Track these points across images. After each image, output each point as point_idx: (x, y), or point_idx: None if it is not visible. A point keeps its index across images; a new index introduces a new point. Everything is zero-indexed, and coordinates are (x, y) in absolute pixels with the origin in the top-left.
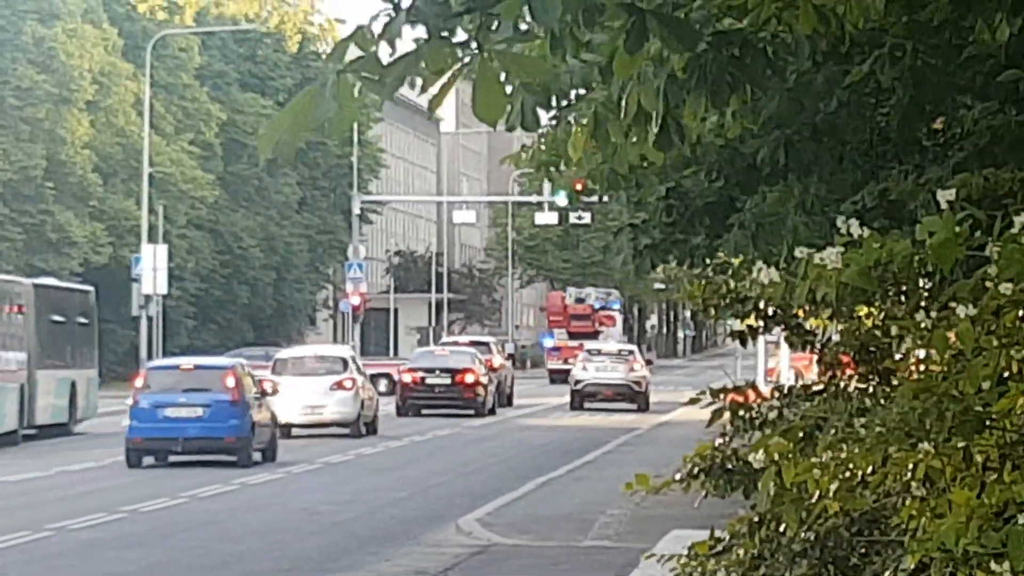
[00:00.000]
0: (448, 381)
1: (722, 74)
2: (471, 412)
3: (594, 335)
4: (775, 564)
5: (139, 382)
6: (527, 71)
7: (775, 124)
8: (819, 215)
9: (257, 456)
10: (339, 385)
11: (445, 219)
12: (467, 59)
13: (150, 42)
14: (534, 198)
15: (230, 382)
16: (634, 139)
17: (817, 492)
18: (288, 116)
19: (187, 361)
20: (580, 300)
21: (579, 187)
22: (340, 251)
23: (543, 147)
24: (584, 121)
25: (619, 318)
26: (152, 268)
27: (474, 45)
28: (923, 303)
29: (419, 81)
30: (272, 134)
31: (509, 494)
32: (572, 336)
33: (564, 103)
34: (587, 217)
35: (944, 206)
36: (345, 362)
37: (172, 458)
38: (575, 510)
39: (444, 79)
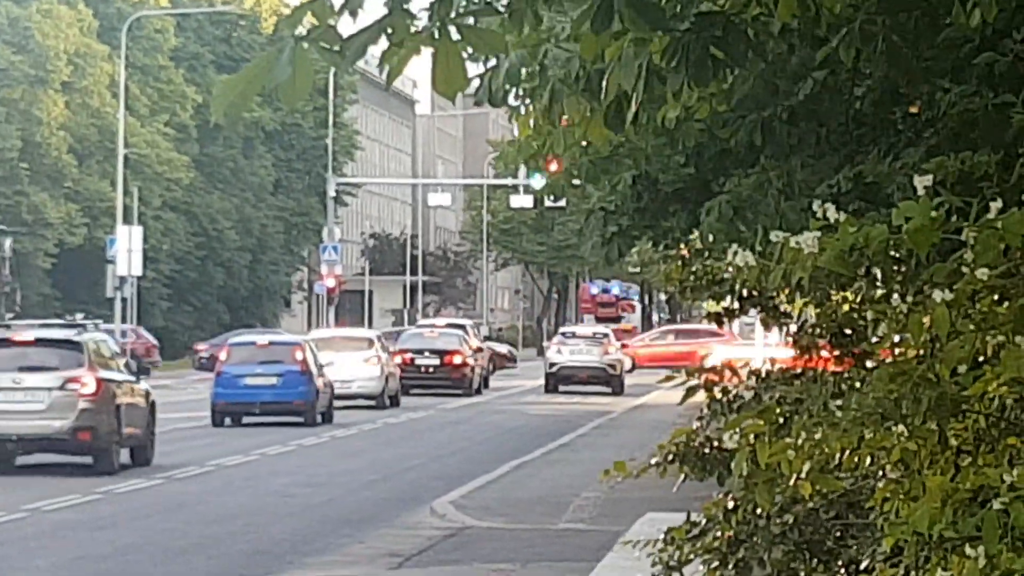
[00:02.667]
0: (437, 362)
1: (704, 55)
2: (459, 392)
3: (617, 319)
4: (753, 547)
5: (223, 355)
6: (487, 45)
7: (750, 106)
8: (796, 199)
9: (319, 418)
10: (366, 361)
11: (420, 201)
12: (427, 32)
13: (125, 23)
14: (509, 181)
15: (299, 355)
16: (587, 115)
17: (790, 473)
18: (242, 79)
19: (262, 337)
20: (606, 291)
21: (553, 168)
22: (315, 233)
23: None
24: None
25: (637, 305)
26: (127, 250)
27: (433, 18)
28: (899, 287)
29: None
30: (225, 96)
31: (483, 477)
32: (599, 320)
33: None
34: (562, 200)
35: (921, 192)
36: (371, 341)
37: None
38: (549, 493)
39: (402, 52)
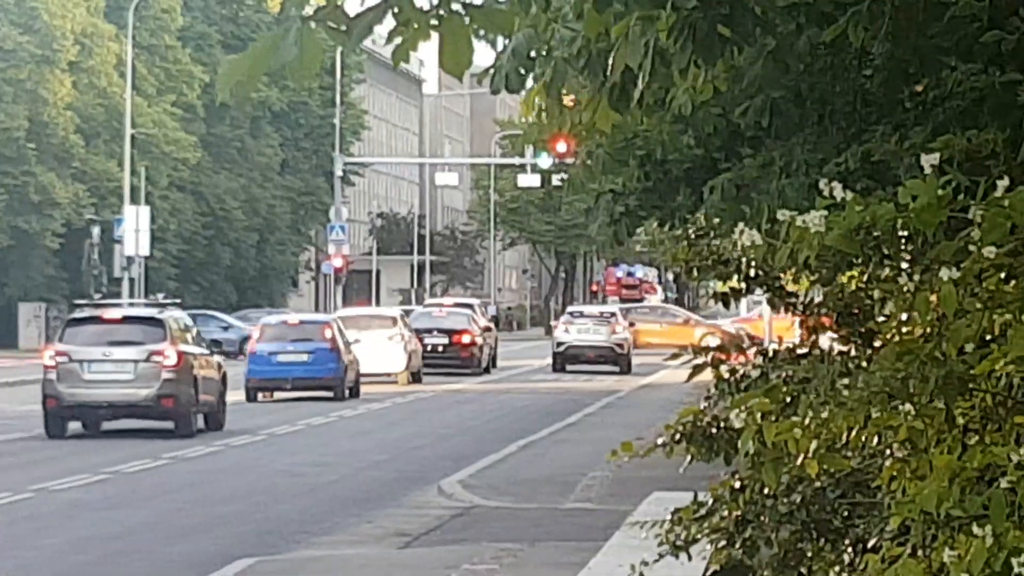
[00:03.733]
0: (446, 341)
1: (711, 33)
2: (467, 371)
3: (640, 300)
4: (760, 527)
5: (255, 334)
6: (494, 24)
7: (759, 86)
8: (803, 178)
9: (347, 392)
10: (390, 339)
11: (427, 181)
12: (433, 11)
13: (132, 3)
14: (516, 160)
15: (328, 333)
16: (593, 97)
17: (797, 452)
18: (248, 59)
19: (293, 317)
20: (630, 274)
21: (561, 148)
22: (322, 213)
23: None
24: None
25: (659, 287)
26: (134, 229)
27: None
28: (906, 266)
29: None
30: (231, 75)
31: (491, 456)
32: (623, 301)
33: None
34: (572, 187)
35: (928, 170)
36: (395, 320)
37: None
38: (556, 472)
39: (410, 32)
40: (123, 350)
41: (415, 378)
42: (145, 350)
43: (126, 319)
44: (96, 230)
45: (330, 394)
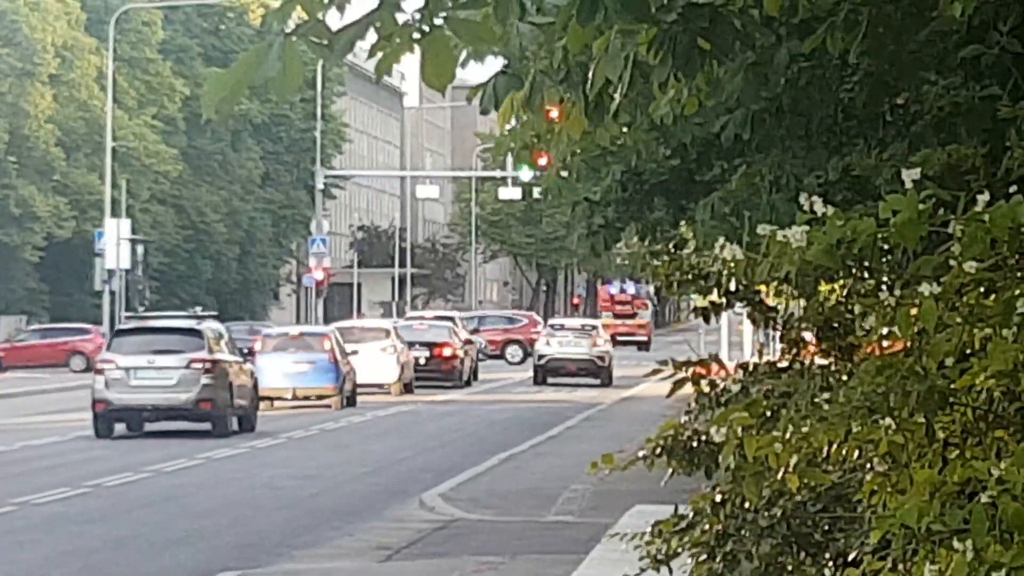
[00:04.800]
0: (427, 354)
1: (691, 47)
2: (449, 384)
3: (633, 316)
4: (740, 541)
5: (258, 345)
6: (476, 37)
7: (737, 99)
8: (786, 191)
9: (345, 401)
10: (383, 351)
11: (408, 194)
12: (416, 25)
13: (113, 16)
14: (497, 173)
15: (327, 345)
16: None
17: (778, 466)
18: (232, 74)
19: (294, 329)
20: (623, 291)
21: (542, 162)
22: (303, 226)
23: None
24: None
25: (650, 303)
26: (115, 242)
27: (423, 12)
28: (886, 281)
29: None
30: (215, 91)
31: (472, 469)
32: (616, 317)
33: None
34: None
35: (909, 185)
36: (388, 332)
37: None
38: (538, 485)
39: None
40: (166, 358)
41: (407, 389)
42: (185, 358)
43: (168, 330)
44: (140, 248)
45: (329, 404)
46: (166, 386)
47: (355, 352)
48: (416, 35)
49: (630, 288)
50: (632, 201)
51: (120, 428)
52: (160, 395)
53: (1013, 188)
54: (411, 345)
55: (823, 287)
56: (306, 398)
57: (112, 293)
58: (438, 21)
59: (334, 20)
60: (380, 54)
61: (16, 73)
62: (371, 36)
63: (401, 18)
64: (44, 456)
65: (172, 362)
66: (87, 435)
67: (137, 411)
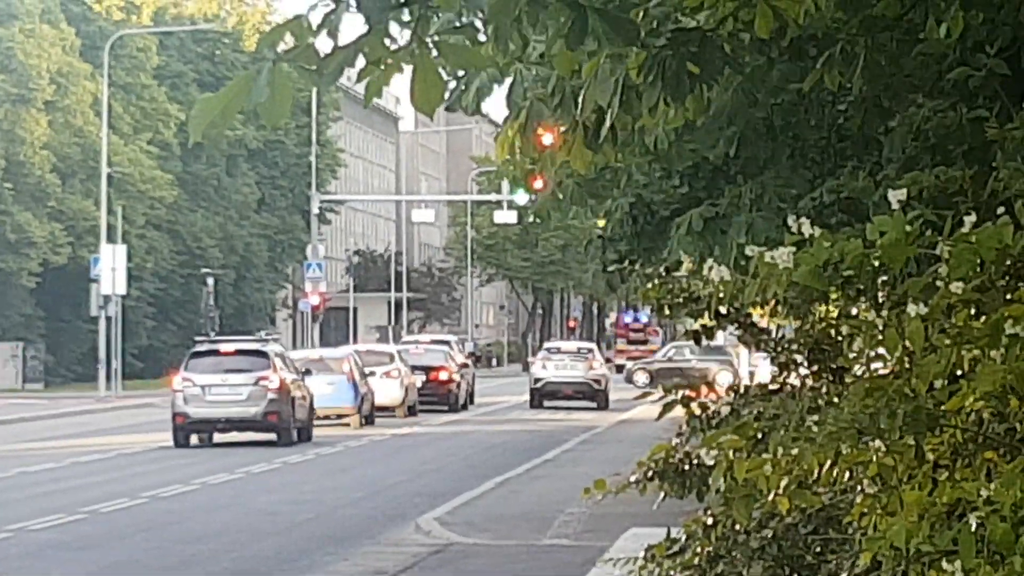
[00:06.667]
0: (423, 378)
1: (680, 70)
2: (445, 408)
3: (645, 342)
4: (732, 563)
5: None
6: (465, 60)
7: (727, 119)
8: (774, 212)
9: (363, 421)
10: (387, 375)
11: (404, 218)
12: (406, 50)
13: (108, 42)
14: (493, 197)
15: (346, 367)
16: (568, 136)
17: (768, 488)
18: (220, 99)
19: (315, 352)
20: (636, 319)
21: (538, 185)
22: (299, 250)
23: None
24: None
25: (660, 330)
26: (111, 268)
27: (412, 37)
28: (875, 302)
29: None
30: (204, 115)
31: (468, 493)
32: (630, 343)
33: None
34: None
35: (896, 206)
36: (392, 356)
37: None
38: (534, 509)
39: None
40: (236, 376)
41: (411, 411)
42: (254, 376)
43: (238, 351)
44: (211, 280)
45: (348, 422)
46: (237, 401)
47: (372, 373)
48: (405, 59)
49: (643, 317)
50: (644, 234)
51: (119, 439)
52: (232, 409)
53: (1000, 209)
54: None
55: (819, 308)
56: (326, 417)
57: (108, 319)
58: (428, 43)
59: (325, 45)
60: (368, 79)
61: (11, 99)
62: (361, 61)
63: (390, 43)
64: (39, 483)
65: (242, 380)
66: (80, 462)
67: (212, 423)
